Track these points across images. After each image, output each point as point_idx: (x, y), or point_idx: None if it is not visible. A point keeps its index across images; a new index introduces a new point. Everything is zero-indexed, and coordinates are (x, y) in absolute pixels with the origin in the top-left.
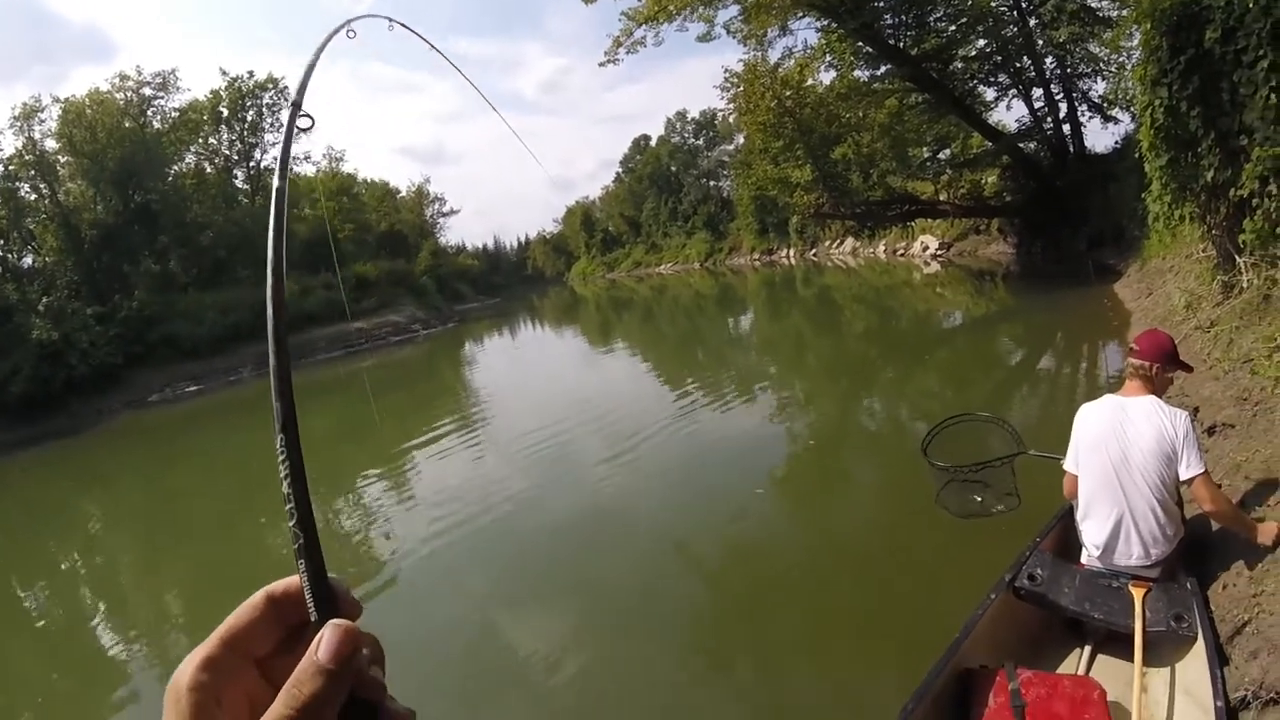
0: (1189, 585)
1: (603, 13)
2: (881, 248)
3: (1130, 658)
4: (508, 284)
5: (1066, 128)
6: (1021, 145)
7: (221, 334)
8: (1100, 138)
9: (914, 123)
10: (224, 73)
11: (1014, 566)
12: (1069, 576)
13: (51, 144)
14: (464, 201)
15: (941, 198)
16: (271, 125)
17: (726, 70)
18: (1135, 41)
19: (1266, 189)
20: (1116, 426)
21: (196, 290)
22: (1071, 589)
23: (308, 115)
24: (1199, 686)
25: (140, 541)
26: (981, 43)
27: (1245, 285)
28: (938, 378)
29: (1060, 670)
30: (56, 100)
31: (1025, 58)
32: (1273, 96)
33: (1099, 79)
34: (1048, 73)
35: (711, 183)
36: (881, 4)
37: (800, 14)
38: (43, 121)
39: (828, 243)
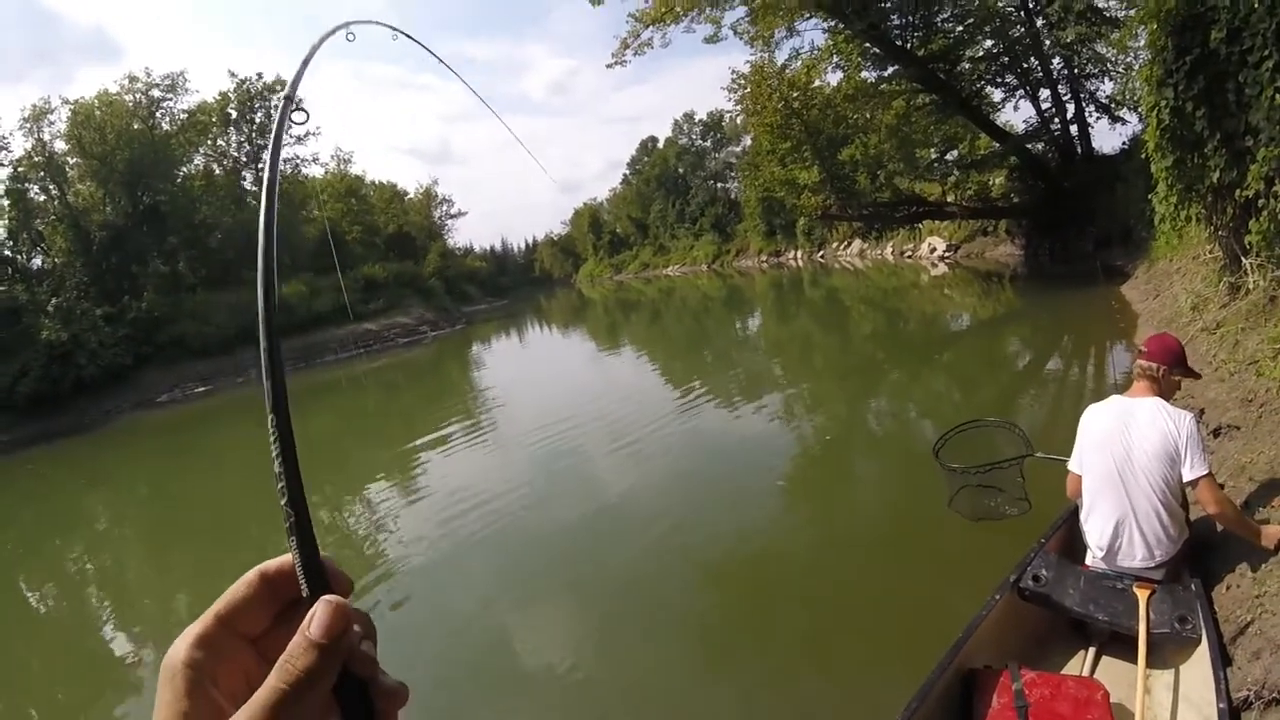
0: (1193, 587)
1: (610, 14)
2: (889, 249)
3: (1134, 659)
4: (515, 285)
5: (1074, 128)
6: (1029, 146)
7: (230, 335)
8: (1108, 138)
9: (921, 124)
10: (232, 74)
11: (1019, 567)
12: (1074, 577)
13: (61, 145)
14: (471, 203)
15: (949, 199)
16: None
17: (734, 71)
18: (1142, 42)
19: (1272, 189)
20: (1121, 427)
21: (205, 291)
22: (1076, 590)
23: (302, 110)
24: (1202, 688)
25: (145, 540)
26: (989, 43)
27: (1251, 287)
28: (945, 379)
29: (1064, 671)
30: (66, 102)
31: (1032, 58)
32: (1278, 97)
33: (1106, 79)
34: (1055, 73)
35: (719, 184)
36: (888, 4)
37: (807, 15)
38: (52, 123)
39: (835, 244)
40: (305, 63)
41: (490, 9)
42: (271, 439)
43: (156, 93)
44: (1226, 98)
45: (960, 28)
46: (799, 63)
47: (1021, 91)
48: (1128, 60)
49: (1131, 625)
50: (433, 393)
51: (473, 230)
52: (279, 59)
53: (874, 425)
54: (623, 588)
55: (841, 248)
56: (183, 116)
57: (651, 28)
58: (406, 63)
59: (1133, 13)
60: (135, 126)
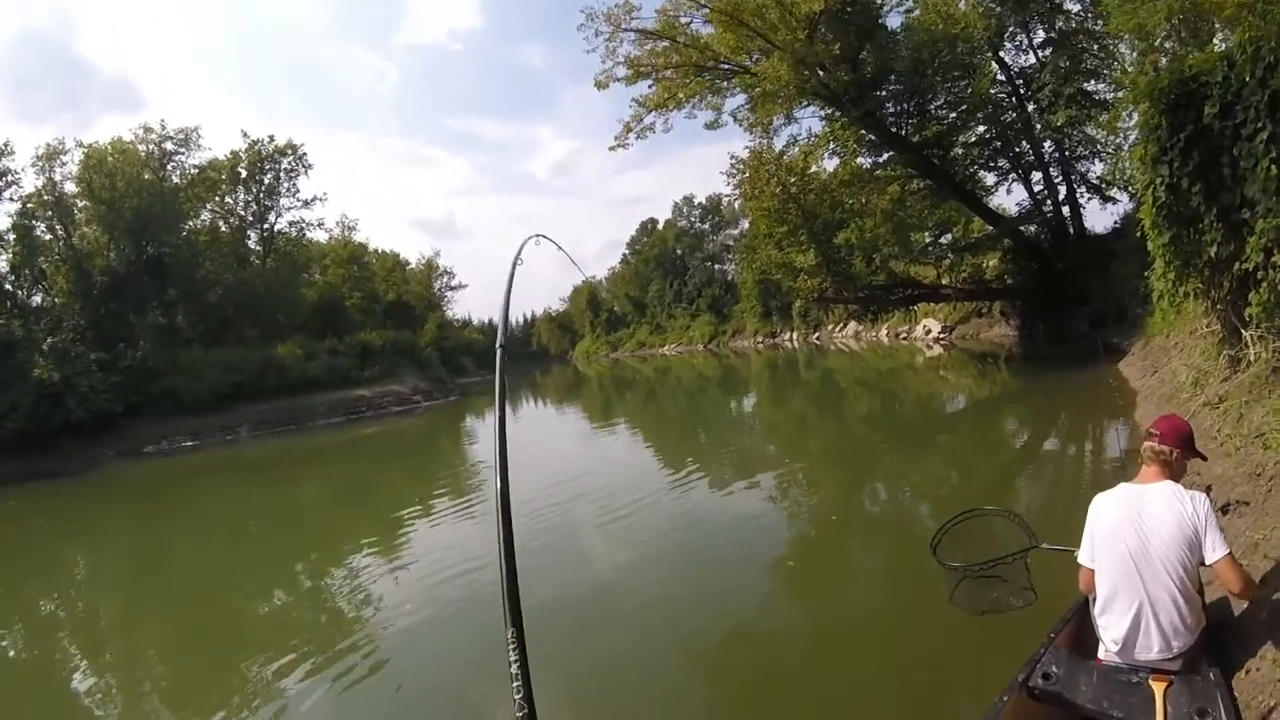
0: (1212, 676)
1: (615, 100)
2: (884, 331)
3: None
4: (511, 360)
5: (1066, 209)
6: (1022, 228)
7: (223, 391)
8: (1099, 218)
9: (916, 208)
10: (245, 135)
11: (1027, 665)
12: (1086, 673)
13: (71, 187)
14: (472, 276)
15: (943, 281)
16: (288, 190)
17: (733, 157)
18: (1133, 122)
19: (1271, 260)
20: (1134, 514)
21: (201, 346)
22: (1089, 686)
23: (504, 347)
24: None
25: (118, 594)
26: (981, 129)
27: (1253, 358)
28: (942, 463)
29: None
30: (79, 145)
31: (1024, 142)
32: (1273, 168)
33: (1097, 160)
34: (1046, 156)
35: (716, 266)
36: (884, 93)
37: (805, 103)
38: (64, 164)
39: (831, 326)
40: (505, 310)
41: (503, 92)
42: (510, 647)
43: (170, 145)
44: (1222, 172)
45: (954, 114)
46: (796, 149)
47: (1014, 175)
48: (1117, 141)
49: None
50: (423, 463)
51: (471, 303)
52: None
53: (871, 510)
54: (610, 668)
55: (837, 329)
56: (193, 171)
57: (654, 113)
58: (418, 137)
59: (1122, 94)
60: (146, 176)
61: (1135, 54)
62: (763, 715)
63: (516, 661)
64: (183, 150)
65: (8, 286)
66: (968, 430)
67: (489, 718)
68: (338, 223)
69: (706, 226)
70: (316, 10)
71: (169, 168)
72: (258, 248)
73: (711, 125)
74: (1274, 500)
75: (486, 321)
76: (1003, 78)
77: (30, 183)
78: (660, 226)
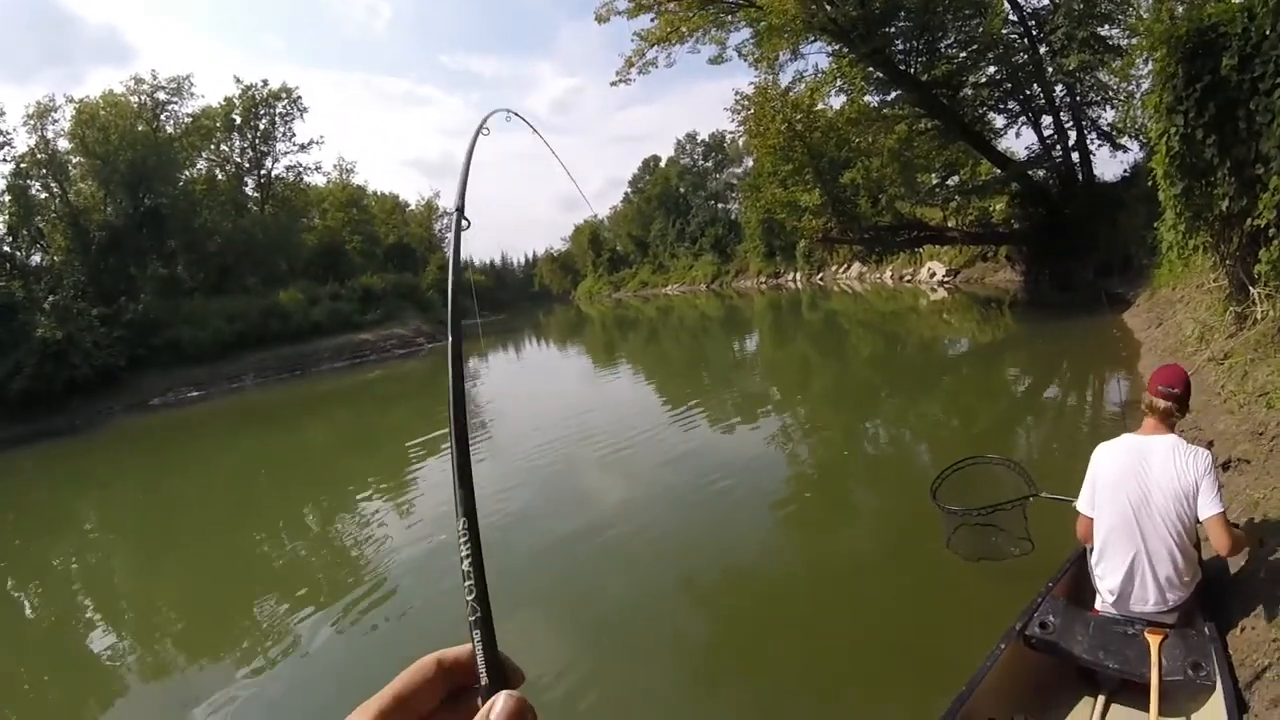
0: (1207, 631)
1: (616, 33)
2: (888, 273)
3: (1146, 707)
4: (514, 300)
5: (1075, 155)
6: (1030, 173)
7: (226, 340)
8: (1109, 166)
9: (923, 149)
10: (238, 80)
11: (1025, 614)
12: (1082, 624)
13: (64, 144)
14: (473, 217)
15: (949, 224)
16: (284, 135)
17: (737, 93)
18: (1146, 69)
19: None
20: (1138, 466)
21: (202, 296)
22: (1085, 637)
23: (467, 219)
24: None
25: (131, 545)
26: (991, 69)
27: (1260, 316)
28: (944, 407)
29: None
30: (70, 101)
31: (1035, 85)
32: None
33: (1108, 107)
34: (1057, 100)
35: (719, 205)
36: (893, 30)
37: (812, 38)
38: (55, 121)
39: (834, 267)
40: (465, 171)
41: (499, 27)
42: (461, 539)
43: (162, 95)
44: (1237, 125)
45: (964, 54)
46: (802, 85)
47: (1023, 118)
48: (1130, 88)
49: (1143, 672)
50: (426, 405)
51: (473, 244)
52: (286, 70)
53: (872, 453)
54: (613, 610)
55: (841, 271)
56: (187, 120)
57: (656, 47)
58: (412, 75)
59: (1137, 41)
60: (139, 128)
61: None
62: (761, 656)
63: (469, 557)
64: (175, 100)
65: (5, 248)
66: (970, 375)
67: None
68: (335, 166)
69: (710, 164)
70: None
71: (162, 118)
72: (256, 194)
73: (715, 60)
74: (1275, 459)
75: (488, 262)
76: (1015, 18)
77: (23, 142)
78: (663, 164)
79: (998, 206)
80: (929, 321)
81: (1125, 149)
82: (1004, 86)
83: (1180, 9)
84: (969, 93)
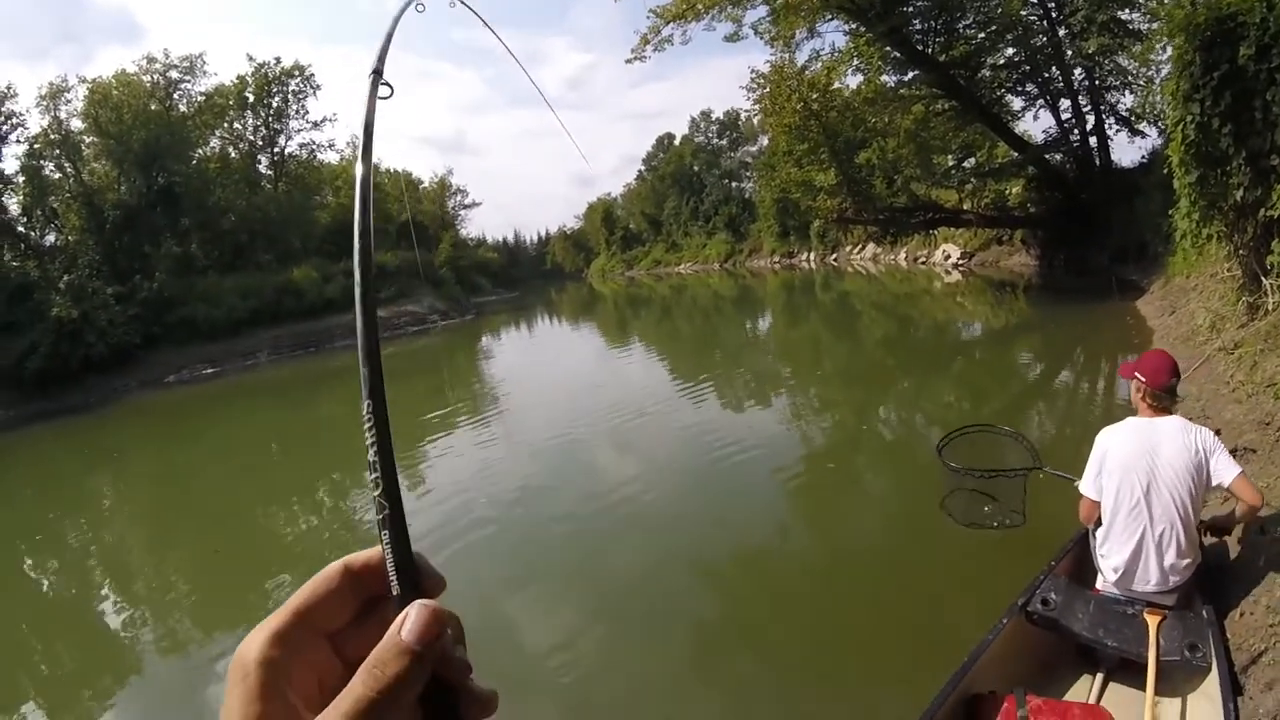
0: (1205, 614)
1: (630, 9)
2: (903, 255)
3: (1143, 686)
4: (526, 278)
5: (1093, 140)
6: (1047, 156)
7: (240, 318)
8: (1127, 151)
9: (940, 130)
10: (250, 58)
11: (1027, 590)
12: (1083, 602)
13: (77, 124)
14: (486, 194)
15: (965, 207)
16: (297, 113)
17: (753, 71)
18: (1166, 56)
19: None
20: (1148, 447)
21: (216, 274)
22: (1085, 615)
23: (388, 84)
24: (1211, 718)
25: (148, 519)
26: (1010, 51)
27: (1271, 307)
28: (954, 389)
29: (1070, 697)
30: (83, 81)
31: (1054, 68)
32: None
33: (1127, 92)
34: (1076, 84)
35: (734, 184)
36: (911, 9)
37: (829, 17)
38: (69, 101)
39: (849, 248)
40: (389, 34)
41: (512, 2)
42: (366, 425)
43: (174, 74)
44: (1253, 115)
45: (982, 34)
46: (819, 64)
47: (1041, 101)
48: (1149, 74)
49: (1141, 652)
50: (440, 383)
51: (486, 221)
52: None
53: (882, 434)
54: (622, 587)
55: (855, 251)
56: (200, 99)
57: (672, 24)
58: (425, 51)
59: (1157, 26)
60: (152, 107)
61: None
62: (765, 630)
63: (375, 445)
64: (188, 78)
65: (20, 229)
66: (982, 358)
67: (504, 636)
68: (348, 143)
69: (724, 143)
70: None
71: (175, 97)
72: (269, 172)
73: (731, 38)
74: None
75: (501, 240)
76: None
77: (36, 123)
78: (677, 142)
79: (1014, 190)
80: (942, 304)
81: (1143, 134)
82: (1022, 69)
83: None
84: (987, 74)
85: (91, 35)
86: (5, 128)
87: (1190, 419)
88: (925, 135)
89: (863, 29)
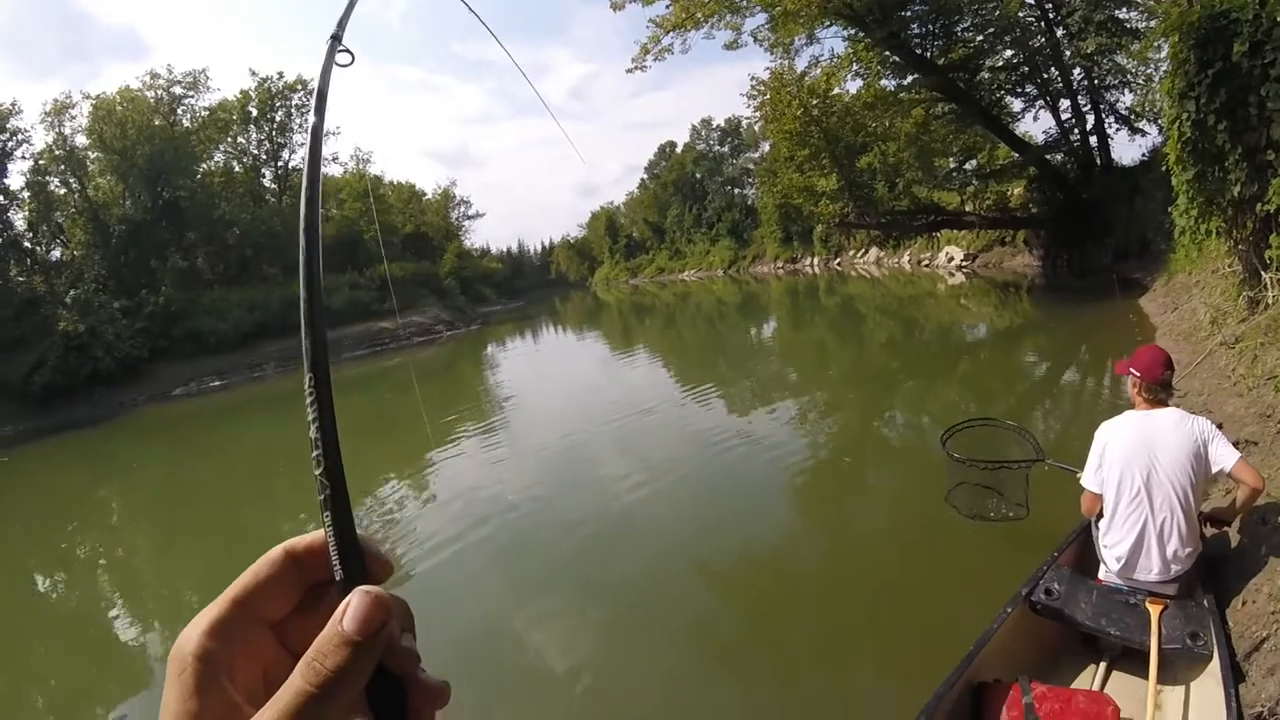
0: (1206, 603)
1: (631, 20)
2: (906, 258)
3: (1145, 675)
4: (531, 287)
5: (1094, 140)
6: (1048, 157)
7: (246, 330)
8: (1127, 150)
9: (940, 133)
10: (253, 73)
11: (1031, 581)
12: (1086, 592)
13: (82, 140)
14: (489, 205)
15: (967, 209)
16: (300, 126)
17: (753, 78)
18: (1163, 54)
19: None
20: (1147, 438)
21: (222, 287)
22: (1088, 604)
23: (347, 51)
24: (1213, 705)
25: (153, 531)
26: (1009, 53)
27: (1271, 301)
28: (959, 390)
29: (1074, 686)
30: (87, 97)
31: (1053, 69)
32: None
33: (1126, 91)
34: (1075, 84)
35: (736, 190)
36: (909, 13)
37: (828, 23)
38: (73, 118)
39: (852, 252)
40: (351, 1)
41: (513, 14)
42: (308, 399)
43: (178, 90)
44: (1249, 111)
45: (980, 37)
46: (819, 70)
47: (1041, 102)
48: (1148, 72)
49: (1143, 640)
50: (446, 393)
51: (490, 232)
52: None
53: (887, 435)
54: (632, 591)
55: (858, 255)
56: (204, 114)
57: (672, 33)
58: (427, 65)
59: (1154, 24)
60: (156, 122)
61: None
62: (778, 623)
63: (316, 421)
64: (192, 93)
65: (26, 244)
66: (987, 359)
67: (513, 636)
68: (352, 156)
69: (726, 149)
70: None
71: (179, 112)
72: (273, 186)
73: (731, 46)
74: None
75: (505, 250)
76: (1032, 0)
77: (41, 139)
78: (679, 150)
79: (1015, 191)
80: (946, 306)
81: (1143, 132)
82: (1021, 70)
83: None
84: (986, 76)
85: (98, 53)
86: (11, 144)
87: (1192, 413)
88: (926, 138)
89: (861, 34)
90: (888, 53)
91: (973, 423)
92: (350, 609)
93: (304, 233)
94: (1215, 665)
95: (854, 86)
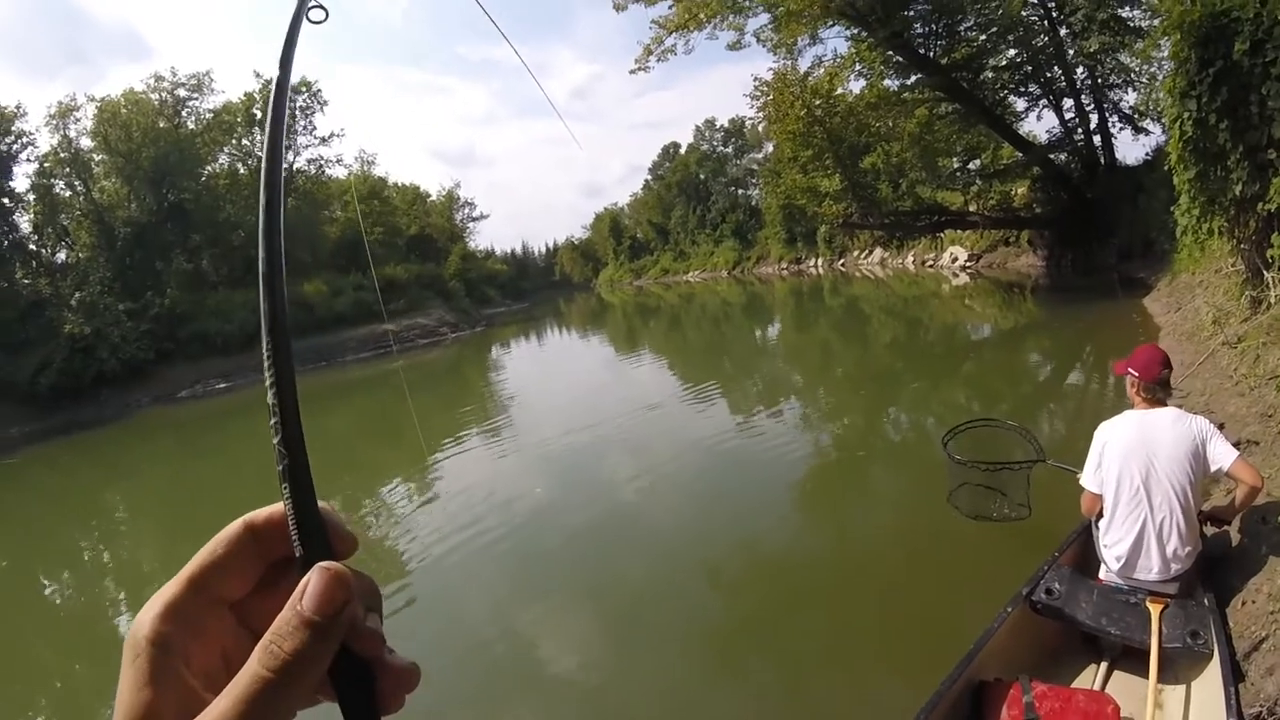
0: (1206, 602)
1: (634, 20)
2: (910, 258)
3: (1146, 674)
4: (535, 289)
5: (1097, 139)
6: (1052, 156)
7: (252, 332)
8: (1131, 149)
9: (944, 133)
10: (257, 75)
11: (1032, 580)
12: (1087, 591)
13: (86, 142)
14: (494, 206)
15: (971, 209)
16: (304, 128)
17: (756, 79)
18: (1166, 53)
19: None
20: (1145, 438)
21: (227, 289)
22: (1089, 604)
23: (322, 7)
24: (1213, 704)
25: (158, 532)
26: (1012, 52)
27: (1273, 300)
28: (964, 390)
29: (1075, 685)
30: (92, 99)
31: (1056, 68)
32: None
33: (1130, 90)
34: (1078, 83)
35: (740, 191)
36: (912, 13)
37: (831, 23)
38: (78, 120)
39: (856, 253)
40: None
41: (517, 15)
42: (266, 363)
43: (182, 92)
44: (1249, 110)
45: (983, 36)
46: (822, 70)
47: (1045, 101)
48: (1151, 70)
49: (1144, 639)
50: (451, 395)
51: (494, 233)
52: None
53: (891, 436)
54: (637, 592)
55: (862, 256)
56: (208, 116)
57: (675, 34)
58: (431, 67)
59: (1157, 23)
60: (161, 125)
61: None
62: (780, 622)
63: (274, 387)
64: (196, 96)
65: (31, 246)
66: (991, 359)
67: (517, 635)
68: (356, 158)
69: (729, 150)
70: None
71: (183, 114)
72: None
73: (734, 46)
74: None
75: (510, 252)
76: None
77: (45, 142)
78: (683, 150)
79: (1019, 190)
80: (951, 307)
81: (1147, 132)
82: (1024, 69)
83: None
84: (989, 76)
85: (100, 55)
86: (15, 147)
87: (1194, 413)
88: (929, 138)
89: (864, 34)
90: (891, 52)
91: (974, 423)
92: (309, 588)
93: (264, 189)
94: (1215, 664)
95: (857, 86)
